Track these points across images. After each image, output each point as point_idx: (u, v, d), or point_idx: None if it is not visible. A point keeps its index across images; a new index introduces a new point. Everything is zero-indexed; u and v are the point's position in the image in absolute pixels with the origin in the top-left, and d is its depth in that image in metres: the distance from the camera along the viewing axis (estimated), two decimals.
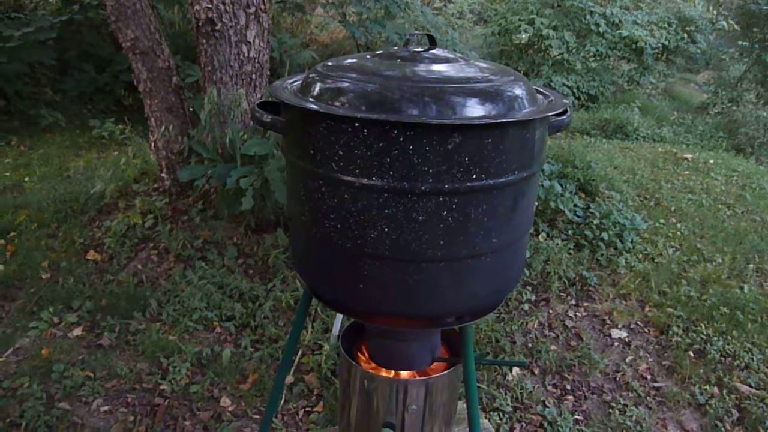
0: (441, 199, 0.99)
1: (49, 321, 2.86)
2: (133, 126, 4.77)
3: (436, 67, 1.08)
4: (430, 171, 0.97)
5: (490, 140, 0.99)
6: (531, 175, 1.09)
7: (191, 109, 3.69)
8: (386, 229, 1.01)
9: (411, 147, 0.96)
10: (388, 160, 0.97)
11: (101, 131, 5.20)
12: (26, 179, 4.41)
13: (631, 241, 3.85)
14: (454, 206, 1.00)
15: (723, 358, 2.90)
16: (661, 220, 4.37)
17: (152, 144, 3.71)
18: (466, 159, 0.98)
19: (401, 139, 0.96)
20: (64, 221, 3.68)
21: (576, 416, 2.51)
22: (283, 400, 2.50)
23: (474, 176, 0.99)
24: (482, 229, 1.04)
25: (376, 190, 0.99)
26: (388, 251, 1.02)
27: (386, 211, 1.00)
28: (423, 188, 0.98)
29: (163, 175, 3.73)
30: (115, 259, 3.33)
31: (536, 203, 1.22)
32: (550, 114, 1.06)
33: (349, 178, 1.00)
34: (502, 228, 1.07)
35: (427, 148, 0.96)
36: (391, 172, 0.98)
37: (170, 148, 3.61)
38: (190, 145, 3.49)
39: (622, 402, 2.59)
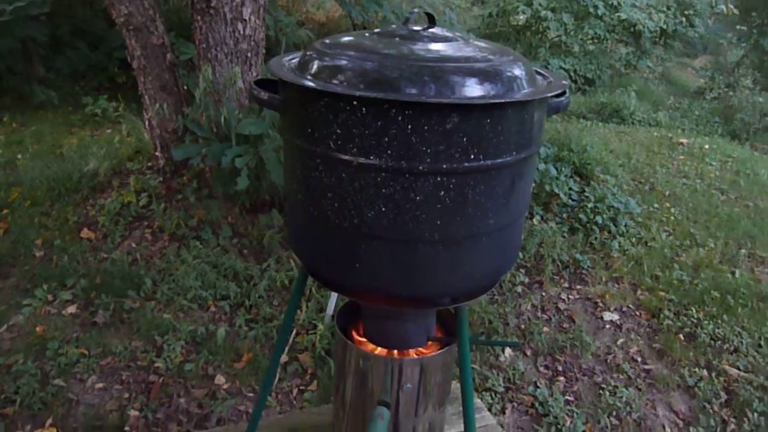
0: (439, 179, 0.99)
1: (43, 299, 2.86)
2: (127, 104, 4.72)
3: (434, 46, 1.07)
4: (428, 151, 0.97)
5: (489, 120, 0.98)
6: (529, 157, 1.09)
7: (186, 87, 3.65)
8: (383, 209, 1.01)
9: (409, 126, 0.95)
10: (386, 139, 0.96)
11: (94, 109, 5.15)
12: (19, 156, 4.37)
13: (625, 225, 3.87)
14: (451, 187, 1.00)
15: (713, 342, 2.93)
16: (656, 205, 4.39)
17: (146, 122, 3.67)
18: (465, 139, 0.97)
19: (399, 118, 0.95)
20: (58, 199, 3.66)
21: (567, 397, 2.54)
22: (277, 378, 2.51)
23: (472, 156, 0.99)
24: (480, 210, 1.04)
25: (374, 170, 0.99)
26: (384, 231, 1.02)
27: (383, 190, 1.00)
28: (421, 168, 0.97)
29: (158, 153, 3.70)
30: (109, 238, 3.32)
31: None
32: (549, 95, 1.06)
33: (346, 157, 1.00)
34: (499, 209, 1.07)
35: (426, 128, 0.95)
36: (389, 152, 0.97)
37: (164, 126, 3.58)
38: (184, 124, 3.45)
39: (612, 383, 2.63)
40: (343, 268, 1.11)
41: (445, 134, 0.96)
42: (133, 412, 2.30)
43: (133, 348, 2.62)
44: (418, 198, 1.00)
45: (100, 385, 2.43)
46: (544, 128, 1.18)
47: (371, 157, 0.98)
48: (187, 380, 2.49)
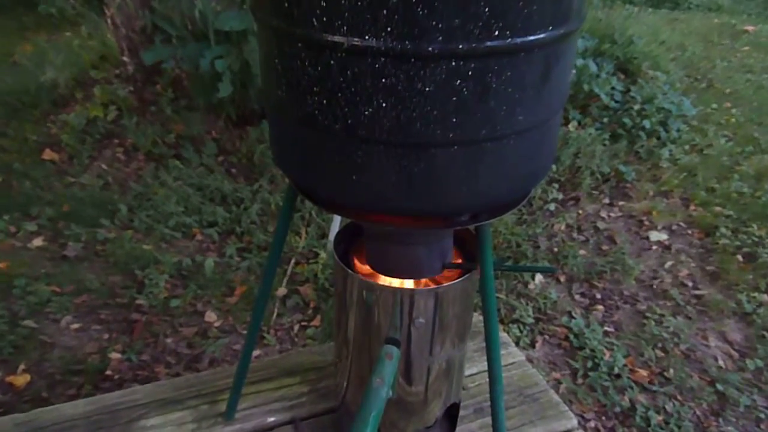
0: (453, 64, 0.88)
1: (6, 230, 2.85)
2: (87, 1, 4.53)
3: None
4: (440, 27, 0.85)
5: None
6: (568, 34, 0.97)
7: None
8: (384, 105, 0.91)
9: None
10: (385, 12, 0.85)
11: (48, 8, 4.98)
12: None
13: (677, 130, 3.76)
14: (470, 73, 0.89)
15: None
16: (713, 105, 4.24)
17: (109, 21, 3.52)
18: (486, 10, 0.85)
19: None
20: (14, 116, 3.59)
21: (606, 328, 2.52)
22: (276, 313, 2.51)
23: (496, 33, 0.87)
24: (505, 104, 0.94)
25: (371, 54, 0.88)
26: (386, 133, 0.93)
27: (384, 80, 0.89)
28: (430, 50, 0.86)
29: (125, 58, 3.57)
30: (75, 159, 3.26)
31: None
32: None
33: (335, 39, 0.88)
34: (530, 102, 0.97)
35: None
36: (388, 29, 0.85)
37: (131, 25, 3.42)
38: (153, 21, 3.30)
39: (658, 312, 2.60)
40: (337, 182, 1.02)
41: (461, 3, 0.84)
42: (115, 355, 2.32)
43: (110, 284, 2.62)
44: (427, 89, 0.89)
45: (77, 325, 2.44)
46: None
47: (367, 38, 0.87)
48: (173, 318, 2.49)
